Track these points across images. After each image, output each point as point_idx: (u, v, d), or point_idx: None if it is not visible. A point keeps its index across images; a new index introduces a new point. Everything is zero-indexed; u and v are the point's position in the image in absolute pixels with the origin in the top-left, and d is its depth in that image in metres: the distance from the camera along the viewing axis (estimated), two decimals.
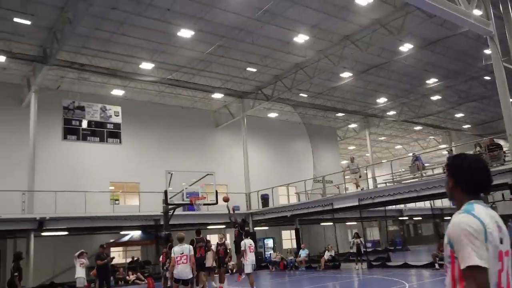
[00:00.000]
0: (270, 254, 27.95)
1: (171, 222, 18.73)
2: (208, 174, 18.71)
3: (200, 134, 29.14)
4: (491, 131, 28.81)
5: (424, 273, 16.73)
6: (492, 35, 16.99)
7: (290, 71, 24.62)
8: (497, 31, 17.48)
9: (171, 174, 17.67)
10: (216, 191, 18.57)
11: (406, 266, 19.51)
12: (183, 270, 9.61)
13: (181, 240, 10.02)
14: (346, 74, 25.62)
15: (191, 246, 10.18)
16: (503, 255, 2.09)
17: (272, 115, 32.16)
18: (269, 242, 30.04)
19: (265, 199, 26.73)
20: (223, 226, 25.20)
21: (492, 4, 17.77)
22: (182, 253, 9.70)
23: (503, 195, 18.93)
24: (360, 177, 23.12)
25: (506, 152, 17.14)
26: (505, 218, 18.01)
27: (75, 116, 20.60)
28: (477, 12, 17.01)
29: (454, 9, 15.25)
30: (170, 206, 17.97)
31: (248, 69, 24.18)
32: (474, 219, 2.08)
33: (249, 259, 12.76)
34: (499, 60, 16.92)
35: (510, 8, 18.03)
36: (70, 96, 21.63)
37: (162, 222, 19.36)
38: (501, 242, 2.11)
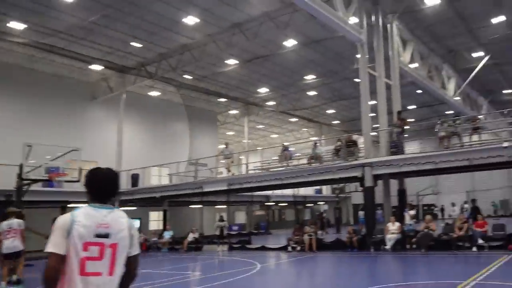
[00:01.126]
0: None
1: (27, 199, 17.48)
2: (73, 150, 17.71)
3: (72, 106, 27.08)
4: (356, 128, 31.74)
5: (277, 255, 17.93)
6: (362, 42, 18.68)
7: (177, 51, 24.23)
8: (368, 39, 19.30)
9: (30, 146, 16.40)
10: (80, 168, 17.61)
11: (264, 248, 20.66)
12: (11, 244, 9.49)
13: (10, 215, 9.86)
14: (232, 61, 26.03)
15: (20, 221, 9.81)
16: (93, 246, 2.71)
17: (154, 93, 31.38)
18: (136, 223, 29.42)
19: (134, 179, 26.17)
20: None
21: (367, 14, 19.51)
22: (10, 227, 9.58)
23: (356, 187, 20.87)
24: (232, 162, 23.89)
25: (361, 148, 19.09)
26: (358, 206, 20.30)
27: None
28: (353, 20, 18.54)
29: (333, 14, 16.47)
30: (25, 181, 16.71)
31: (133, 43, 23.24)
32: (66, 216, 2.77)
33: None
34: (365, 66, 18.75)
35: (381, 20, 19.99)
36: None
37: (14, 198, 17.90)
38: (101, 236, 2.74)
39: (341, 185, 41.02)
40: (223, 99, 34.15)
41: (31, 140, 17.40)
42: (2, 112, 23.83)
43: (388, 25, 20.66)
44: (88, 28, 21.21)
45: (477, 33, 24.16)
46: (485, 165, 16.51)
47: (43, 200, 21.04)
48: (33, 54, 23.50)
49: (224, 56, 25.08)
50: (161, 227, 27.51)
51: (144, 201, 26.57)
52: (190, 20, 20.69)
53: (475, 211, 16.38)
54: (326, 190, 44.95)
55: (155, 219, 31.47)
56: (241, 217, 40.80)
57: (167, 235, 24.01)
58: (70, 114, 26.86)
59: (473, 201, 16.52)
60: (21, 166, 16.31)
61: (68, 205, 21.93)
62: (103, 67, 25.87)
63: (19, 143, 17.19)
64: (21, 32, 21.10)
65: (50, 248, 2.66)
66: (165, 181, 28.22)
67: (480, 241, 15.17)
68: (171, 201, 26.83)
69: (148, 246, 24.02)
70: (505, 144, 15.46)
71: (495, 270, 10.79)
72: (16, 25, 20.39)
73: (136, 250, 2.98)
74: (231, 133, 43.53)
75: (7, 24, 20.28)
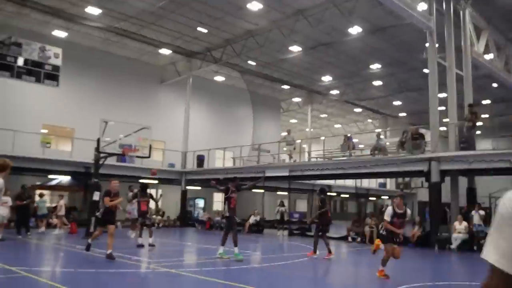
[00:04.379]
0: (198, 213, 28.54)
1: (102, 172, 18.60)
2: (144, 128, 18.61)
3: (143, 88, 28.68)
4: (424, 121, 30.46)
5: (337, 244, 17.86)
6: (431, 30, 17.86)
7: (241, 37, 24.58)
8: (438, 28, 18.41)
9: (106, 123, 17.42)
10: (150, 145, 18.57)
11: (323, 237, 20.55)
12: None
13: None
14: (295, 48, 25.93)
15: None
16: None
17: (219, 78, 32.10)
18: (200, 202, 30.53)
19: (200, 160, 27.03)
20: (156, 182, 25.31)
21: (437, 1, 18.59)
22: None
23: (422, 182, 20.09)
24: (294, 149, 23.94)
25: (427, 142, 18.35)
26: (424, 204, 19.61)
27: (11, 53, 19.56)
28: (422, 7, 17.79)
29: (400, 0, 15.89)
30: (101, 155, 17.79)
31: (199, 29, 23.89)
32: None
33: None
34: (434, 55, 17.90)
35: (452, 7, 18.94)
36: (6, 30, 20.46)
37: (93, 170, 19.17)
38: None
39: (406, 180, 39.78)
40: (286, 86, 34.18)
41: (107, 118, 18.48)
42: (82, 92, 25.72)
43: (461, 12, 19.52)
44: (157, 14, 22.08)
45: None
46: None
47: (117, 174, 22.33)
48: (108, 38, 24.89)
49: (287, 43, 25.05)
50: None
51: (208, 182, 27.32)
52: (254, 6, 20.87)
53: None
54: (390, 184, 43.76)
55: (219, 200, 32.42)
56: (302, 205, 40.83)
57: None
58: (141, 95, 28.38)
59: None
60: (98, 141, 17.32)
61: (134, 181, 23.13)
62: (171, 51, 26.87)
63: (97, 120, 18.33)
64: (97, 17, 22.42)
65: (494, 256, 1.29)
66: (229, 164, 28.90)
67: None
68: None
69: (211, 225, 24.89)
70: None
71: None
72: (93, 10, 21.67)
73: None
74: (294, 120, 43.51)
75: (85, 9, 21.63)
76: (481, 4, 20.18)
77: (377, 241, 9.54)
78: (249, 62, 28.65)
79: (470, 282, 9.64)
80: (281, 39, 23.66)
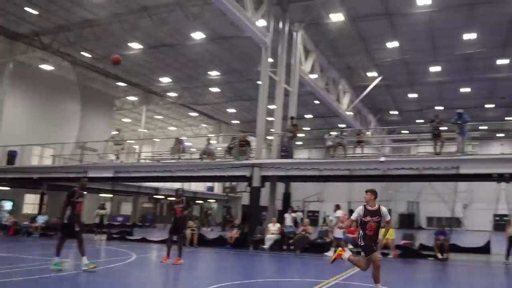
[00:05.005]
0: (1, 217, 24.97)
1: None
2: None
3: None
4: (254, 130, 32.33)
5: (157, 248, 17.67)
6: (267, 46, 19.13)
7: (77, 26, 22.81)
8: (274, 44, 19.79)
9: None
10: None
11: (144, 240, 20.24)
12: None
13: None
14: (135, 45, 25.10)
15: None
16: None
17: (46, 67, 29.02)
18: (7, 205, 26.90)
19: (11, 156, 24.15)
20: None
21: (275, 19, 19.99)
22: None
23: (246, 187, 21.01)
24: (122, 149, 23.10)
25: (253, 149, 19.58)
26: (247, 207, 20.75)
27: None
28: (261, 23, 18.92)
29: (242, 13, 16.70)
30: None
31: (28, 9, 21.39)
32: None
33: None
34: (267, 69, 19.22)
35: (287, 28, 20.60)
36: None
37: None
38: None
39: (233, 184, 41.68)
40: (122, 84, 32.79)
41: None
42: None
43: (294, 33, 21.36)
44: None
45: (374, 54, 26.07)
46: (364, 176, 17.78)
47: None
48: None
49: (127, 39, 24.12)
50: (37, 211, 25.54)
51: (20, 182, 24.52)
52: None
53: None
54: (218, 188, 45.30)
55: (31, 202, 29.18)
56: (127, 208, 39.53)
57: (41, 219, 22.21)
58: None
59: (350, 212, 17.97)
60: None
61: None
62: None
63: None
64: None
65: None
66: (47, 162, 26.30)
67: (350, 246, 16.30)
68: (51, 184, 24.93)
69: (17, 230, 22.10)
70: (382, 159, 16.87)
71: (357, 273, 11.63)
72: None
73: None
74: (127, 120, 41.95)
75: None
76: (312, 29, 22.36)
77: (340, 250, 8.39)
78: (83, 53, 26.75)
79: (273, 279, 10.51)
80: (121, 34, 22.70)
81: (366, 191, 7.89)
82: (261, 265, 14.21)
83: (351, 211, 18.02)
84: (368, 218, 7.69)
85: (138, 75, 30.83)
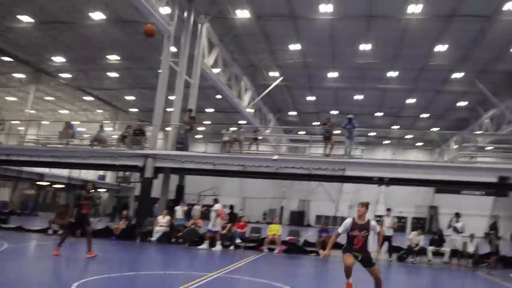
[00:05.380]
0: None
1: None
2: None
3: None
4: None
5: (36, 237, 16.55)
6: (170, 34, 18.62)
7: None
8: (178, 34, 19.31)
9: None
10: None
11: (21, 229, 18.79)
12: None
13: None
14: (26, 18, 22.93)
15: None
16: None
17: None
18: None
19: None
20: None
21: (180, 8, 19.51)
22: None
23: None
24: (3, 130, 21.19)
25: (148, 139, 19.05)
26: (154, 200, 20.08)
27: None
28: (166, 10, 18.37)
29: None
30: None
31: None
32: None
33: None
34: (168, 59, 18.72)
35: (192, 18, 20.24)
36: None
37: None
38: None
39: (127, 174, 40.25)
40: (8, 58, 29.72)
41: None
42: None
43: (199, 25, 21.04)
44: None
45: (277, 54, 26.62)
46: (258, 173, 18.08)
47: None
48: None
49: (16, 10, 21.96)
50: None
51: None
52: None
53: (233, 215, 17.94)
54: (111, 178, 43.48)
55: None
56: (5, 194, 36.42)
57: None
58: None
59: (231, 207, 18.30)
60: None
61: None
62: None
63: None
64: None
65: None
66: None
67: (238, 241, 16.53)
68: None
69: None
70: (275, 157, 17.30)
71: (241, 266, 11.80)
72: None
73: None
74: (13, 98, 38.37)
75: None
76: (217, 22, 22.19)
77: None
78: None
79: (155, 272, 10.25)
80: (9, 4, 20.62)
81: (360, 205, 7.47)
82: (145, 257, 13.76)
83: (231, 207, 18.40)
84: (356, 233, 7.27)
85: (28, 51, 28.20)
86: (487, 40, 22.02)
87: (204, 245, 15.70)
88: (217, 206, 16.32)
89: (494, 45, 22.67)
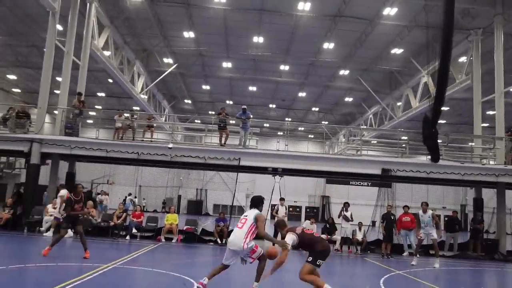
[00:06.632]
0: None
1: None
2: None
3: None
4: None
5: None
6: (55, 11, 17.44)
7: None
8: (64, 11, 18.18)
9: None
10: None
11: None
12: None
13: None
14: None
15: None
16: None
17: None
18: None
19: None
20: None
21: None
22: None
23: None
24: None
25: (33, 123, 17.84)
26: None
27: None
28: None
29: None
30: None
31: None
32: None
33: None
34: (54, 37, 17.51)
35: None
36: None
37: None
38: None
39: (11, 159, 36.98)
40: None
41: None
42: None
43: (88, 4, 19.98)
44: None
45: (170, 41, 26.28)
46: (153, 161, 17.79)
47: None
48: None
49: None
50: None
51: None
52: None
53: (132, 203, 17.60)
54: None
55: None
56: None
57: None
58: None
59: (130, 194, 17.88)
60: None
61: None
62: None
63: None
64: None
65: None
66: None
67: (134, 231, 16.23)
68: None
69: None
70: (170, 145, 17.18)
71: (138, 257, 11.68)
72: None
73: None
74: None
75: None
76: (108, 3, 21.27)
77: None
78: None
79: (43, 264, 9.67)
80: None
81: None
82: (32, 249, 12.88)
83: (130, 195, 18.04)
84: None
85: None
86: (369, 41, 23.91)
87: (49, 233, 15.08)
88: (63, 192, 15.67)
89: (375, 45, 24.69)
